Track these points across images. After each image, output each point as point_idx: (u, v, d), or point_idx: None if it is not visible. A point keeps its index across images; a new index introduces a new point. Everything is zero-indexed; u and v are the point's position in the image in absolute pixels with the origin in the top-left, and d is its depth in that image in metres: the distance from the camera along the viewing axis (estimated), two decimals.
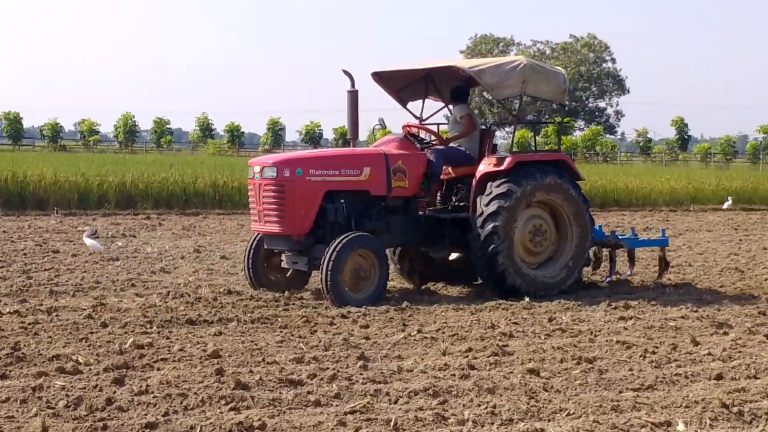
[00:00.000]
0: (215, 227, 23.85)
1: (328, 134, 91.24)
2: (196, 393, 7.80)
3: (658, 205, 34.30)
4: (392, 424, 7.14)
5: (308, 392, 7.97)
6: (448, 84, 14.83)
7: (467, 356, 9.46)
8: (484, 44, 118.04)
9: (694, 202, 35.36)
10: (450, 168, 14.10)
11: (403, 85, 14.99)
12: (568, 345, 10.09)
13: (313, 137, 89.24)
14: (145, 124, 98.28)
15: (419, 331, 10.67)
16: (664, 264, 15.17)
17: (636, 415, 7.51)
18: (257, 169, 13.13)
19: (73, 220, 24.25)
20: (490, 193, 13.29)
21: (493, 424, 7.26)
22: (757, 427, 7.34)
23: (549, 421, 7.40)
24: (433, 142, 14.29)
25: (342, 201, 13.22)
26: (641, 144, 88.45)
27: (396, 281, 14.79)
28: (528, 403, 7.77)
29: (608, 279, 14.97)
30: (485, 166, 13.59)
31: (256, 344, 9.89)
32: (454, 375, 8.70)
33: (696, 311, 12.23)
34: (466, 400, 7.90)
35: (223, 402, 7.61)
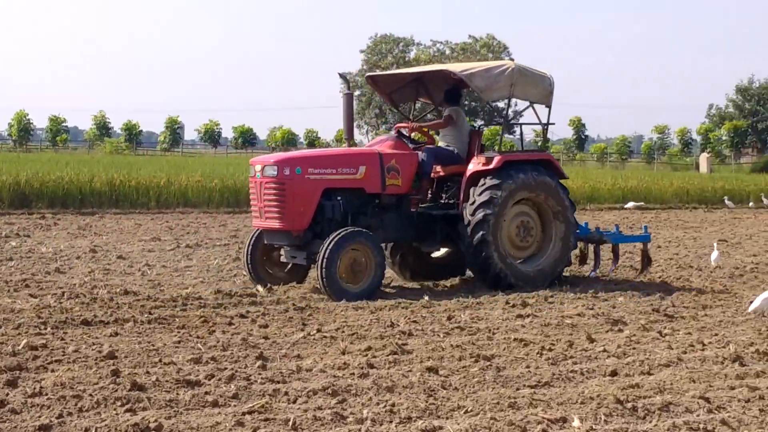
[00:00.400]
0: (112, 227, 23.53)
1: (228, 133, 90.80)
2: (91, 395, 7.67)
3: None
4: (291, 423, 7.11)
5: (206, 392, 7.90)
6: (438, 87, 15.62)
7: (366, 355, 9.46)
8: (384, 44, 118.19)
9: (591, 201, 35.89)
10: (440, 167, 14.71)
11: (395, 87, 15.80)
12: (466, 343, 10.15)
13: (212, 136, 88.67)
14: (40, 122, 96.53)
15: (319, 331, 10.64)
16: (646, 259, 15.76)
17: (532, 411, 7.58)
18: (258, 167, 13.68)
19: None
20: (479, 193, 13.95)
21: (391, 422, 7.27)
22: (650, 422, 7.46)
23: (447, 418, 7.44)
24: (421, 142, 15.01)
25: (339, 198, 13.81)
26: (540, 144, 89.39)
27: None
28: (426, 401, 7.80)
29: (593, 273, 15.57)
30: (475, 165, 14.27)
31: (152, 345, 9.77)
32: (353, 374, 8.69)
33: (592, 309, 12.40)
34: (365, 398, 7.89)
35: (118, 403, 7.49)
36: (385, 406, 7.62)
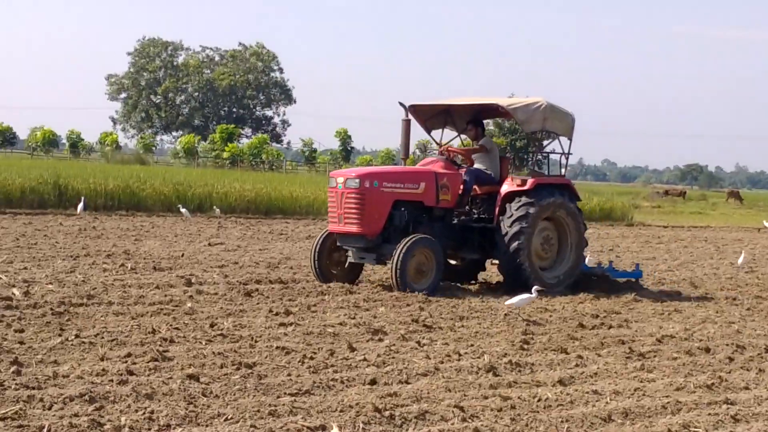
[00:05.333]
0: None
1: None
2: None
3: (321, 214, 35.00)
4: (45, 430, 6.95)
5: None
6: (461, 118, 17.97)
7: (126, 361, 9.32)
8: (152, 47, 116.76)
9: None
10: (477, 186, 16.85)
11: (429, 116, 17.98)
12: (228, 350, 10.13)
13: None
14: None
15: (77, 336, 10.39)
16: None
17: (292, 419, 7.65)
18: (340, 180, 15.77)
19: None
20: (516, 209, 16.14)
21: (150, 429, 7.21)
22: (406, 430, 7.65)
23: (207, 426, 7.42)
24: (464, 165, 17.07)
25: (403, 209, 15.93)
26: (306, 154, 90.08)
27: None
28: (186, 409, 7.75)
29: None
30: (509, 186, 16.52)
31: None
32: (111, 380, 8.55)
33: (353, 318, 12.57)
34: (124, 405, 7.79)
35: None
36: (144, 413, 7.54)
